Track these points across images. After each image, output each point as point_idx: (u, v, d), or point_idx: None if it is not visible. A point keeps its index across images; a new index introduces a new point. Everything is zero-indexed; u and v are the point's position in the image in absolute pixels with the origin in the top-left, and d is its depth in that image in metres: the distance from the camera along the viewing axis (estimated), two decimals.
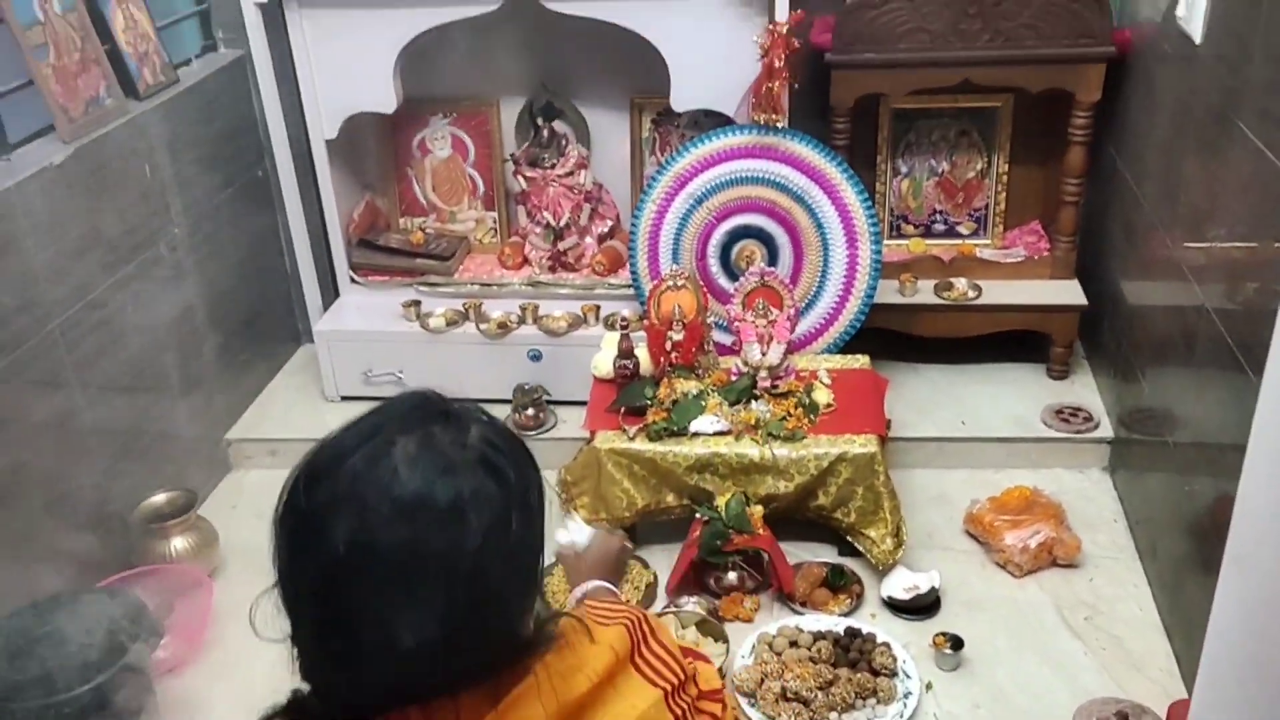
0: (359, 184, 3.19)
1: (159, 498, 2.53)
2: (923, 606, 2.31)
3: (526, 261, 3.13)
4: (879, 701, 2.05)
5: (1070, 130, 2.77)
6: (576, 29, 2.81)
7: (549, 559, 1.13)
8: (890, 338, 2.92)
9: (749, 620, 2.32)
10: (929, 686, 2.12)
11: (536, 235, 3.07)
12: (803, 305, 2.76)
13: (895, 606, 2.32)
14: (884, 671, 2.09)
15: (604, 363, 2.65)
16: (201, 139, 2.82)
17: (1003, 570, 2.42)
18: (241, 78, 2.99)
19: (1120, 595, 2.34)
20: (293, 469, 0.97)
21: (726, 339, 2.73)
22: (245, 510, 2.77)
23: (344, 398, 3.06)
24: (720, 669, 2.12)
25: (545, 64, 3.07)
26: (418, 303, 3.02)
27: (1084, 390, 2.91)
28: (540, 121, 3.01)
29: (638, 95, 3.06)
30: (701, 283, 2.75)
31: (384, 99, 2.86)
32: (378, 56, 2.80)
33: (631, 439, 2.42)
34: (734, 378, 2.57)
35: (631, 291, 2.94)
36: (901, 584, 2.34)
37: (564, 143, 3.02)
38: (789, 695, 2.04)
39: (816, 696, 2.03)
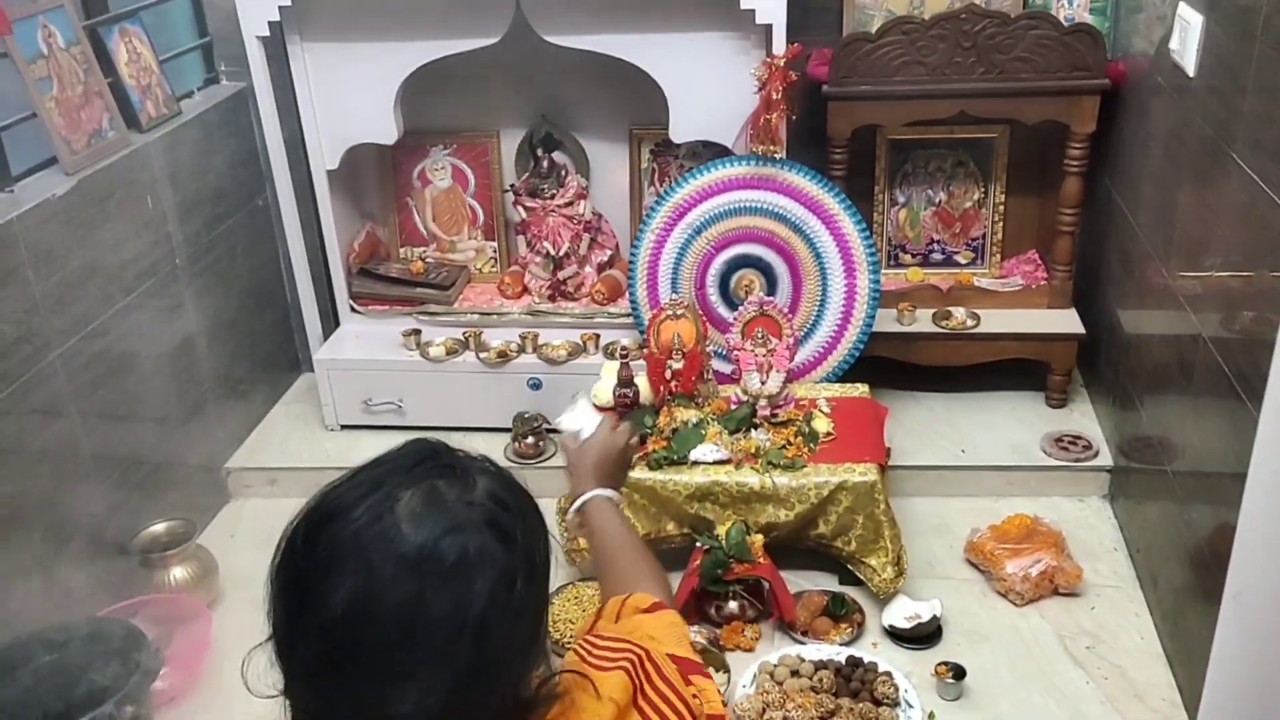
0: (359, 214, 3.21)
1: (158, 527, 2.52)
2: (924, 635, 2.30)
3: (526, 291, 3.14)
4: None
5: (1066, 161, 2.80)
6: (575, 61, 2.84)
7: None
8: (889, 366, 2.93)
9: (750, 649, 2.31)
10: (931, 716, 2.11)
11: (536, 265, 3.09)
12: (801, 334, 2.77)
13: (897, 635, 2.31)
14: (886, 701, 2.09)
15: (604, 391, 2.66)
16: (203, 170, 2.84)
17: (1004, 599, 2.42)
18: (243, 109, 3.02)
19: (1121, 624, 2.34)
20: (290, 521, 0.94)
21: (726, 368, 2.74)
22: (244, 540, 2.76)
23: (344, 426, 3.06)
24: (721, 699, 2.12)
25: (545, 95, 3.10)
26: (418, 332, 3.03)
27: (1083, 418, 2.92)
28: (540, 152, 3.03)
29: (637, 126, 3.09)
30: (701, 312, 2.76)
31: (385, 130, 2.88)
32: (378, 88, 2.82)
33: (631, 467, 2.42)
34: (733, 406, 2.57)
35: (631, 320, 2.95)
36: (903, 613, 2.34)
37: (563, 173, 3.04)
38: None
39: None
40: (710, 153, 2.92)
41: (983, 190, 3.05)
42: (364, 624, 0.87)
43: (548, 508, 2.48)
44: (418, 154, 3.19)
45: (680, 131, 2.81)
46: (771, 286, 2.80)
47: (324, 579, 0.88)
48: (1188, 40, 2.17)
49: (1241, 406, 1.80)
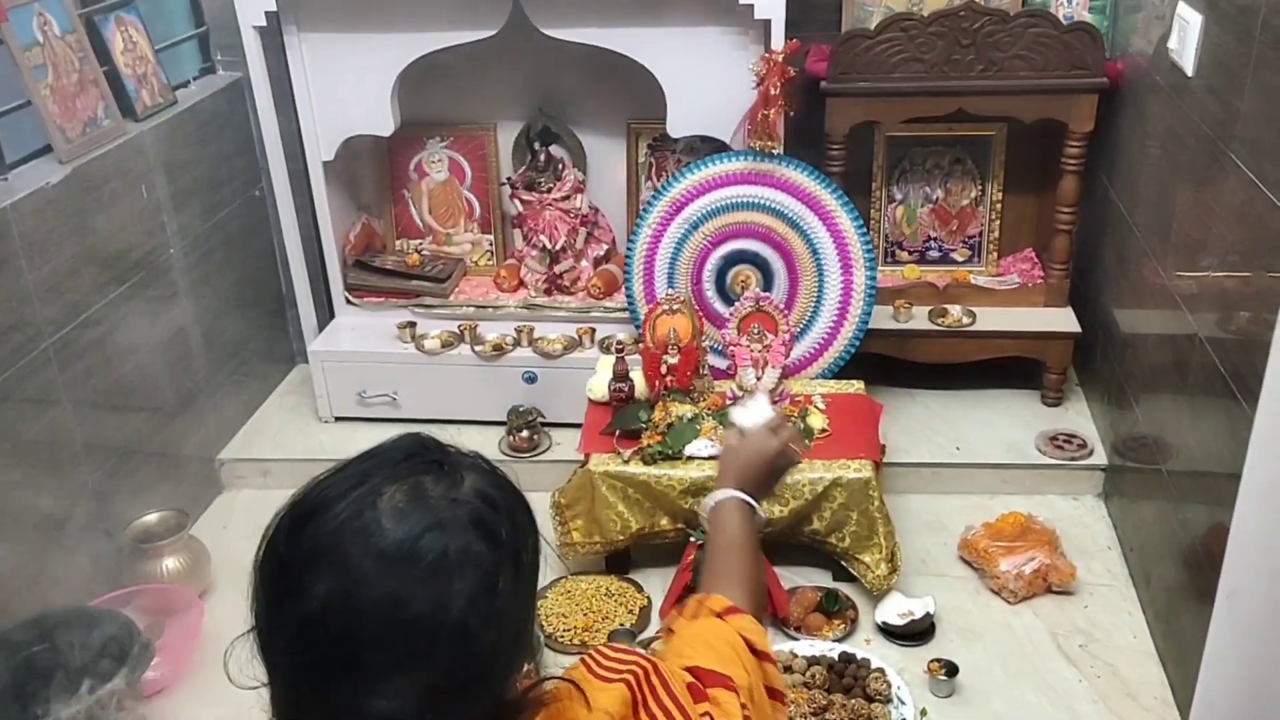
0: (355, 205, 3.20)
1: (150, 517, 2.52)
2: (917, 632, 2.31)
3: (522, 284, 3.13)
4: None
5: (1063, 159, 2.80)
6: (574, 55, 2.83)
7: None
8: (885, 363, 2.93)
9: None
10: (924, 713, 2.11)
11: (532, 258, 3.08)
12: (797, 330, 2.77)
13: (890, 632, 2.31)
14: (878, 698, 2.09)
15: (599, 386, 2.65)
16: (199, 160, 2.82)
17: (997, 597, 2.42)
18: (239, 100, 3.01)
19: (1115, 622, 2.34)
20: (276, 513, 0.92)
21: (721, 363, 2.74)
22: (237, 531, 2.75)
23: (338, 418, 3.06)
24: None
25: (542, 89, 3.09)
26: (413, 324, 3.02)
27: (1078, 417, 2.92)
28: (537, 146, 3.03)
29: (634, 121, 3.08)
30: (697, 307, 2.75)
31: (381, 122, 2.88)
32: (376, 80, 2.81)
33: (626, 462, 2.42)
34: (729, 401, 2.57)
35: (627, 315, 2.94)
36: (896, 609, 2.34)
37: (560, 167, 3.04)
38: None
39: None
40: (708, 148, 2.92)
41: (980, 188, 3.05)
42: (341, 620, 0.85)
43: (541, 502, 2.50)
44: (414, 146, 3.18)
45: (678, 126, 2.81)
46: (768, 282, 2.80)
47: (304, 573, 0.87)
48: (1186, 39, 2.17)
49: (1237, 406, 1.80)
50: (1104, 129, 2.76)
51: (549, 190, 3.00)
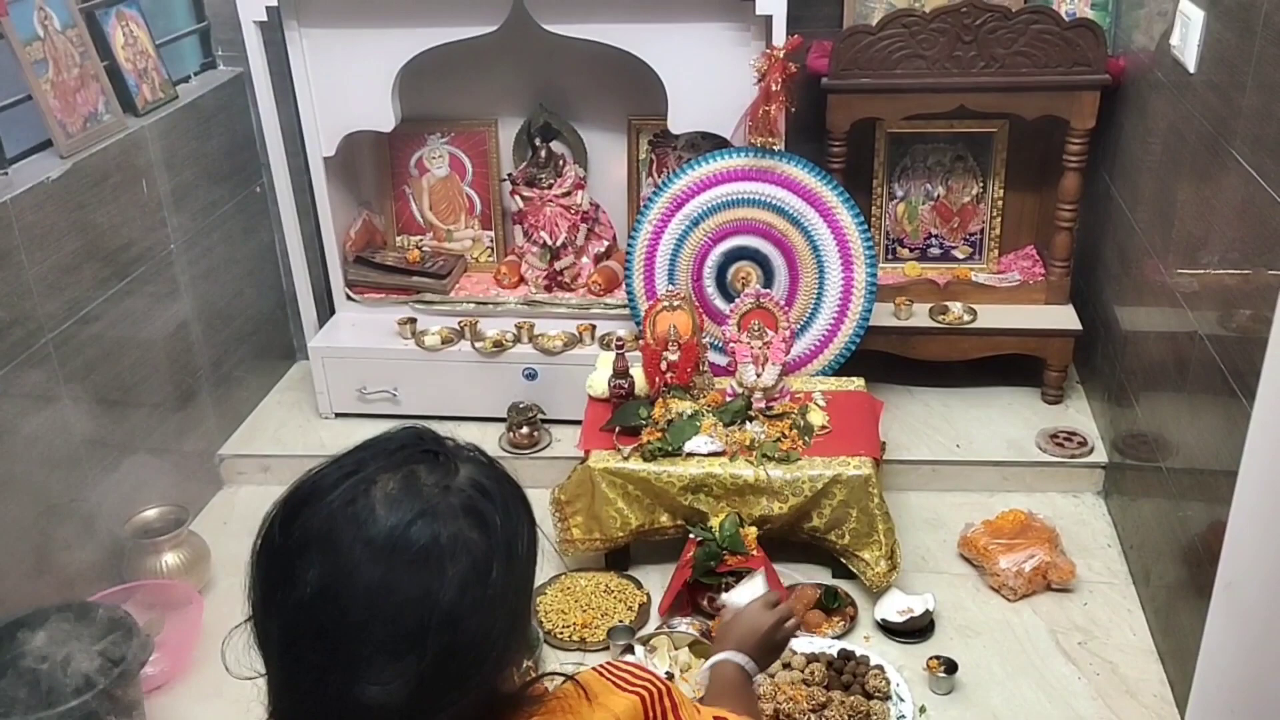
0: (356, 201, 3.20)
1: (150, 513, 2.52)
2: (917, 629, 2.30)
3: (523, 280, 3.13)
4: None
5: (1065, 156, 2.79)
6: (575, 51, 2.83)
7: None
8: (885, 360, 2.93)
9: None
10: (923, 710, 2.11)
11: (533, 255, 3.08)
12: (798, 327, 2.77)
13: (889, 629, 2.31)
14: (877, 695, 2.08)
15: (599, 382, 2.65)
16: (199, 155, 2.82)
17: (997, 594, 2.41)
18: (240, 95, 3.01)
19: (1114, 620, 2.34)
20: (273, 502, 0.93)
21: (722, 360, 2.73)
22: (237, 526, 2.76)
23: (338, 415, 3.06)
24: None
25: (543, 85, 3.08)
26: (413, 320, 3.02)
27: (1078, 415, 2.91)
28: (538, 142, 3.03)
29: (635, 117, 3.08)
30: (697, 303, 2.75)
31: (382, 117, 2.87)
32: (376, 75, 2.81)
33: (626, 459, 2.42)
34: (729, 398, 2.57)
35: (627, 311, 2.94)
36: (895, 607, 2.33)
37: (561, 163, 3.03)
38: (782, 718, 2.02)
39: (809, 719, 2.02)
40: (709, 144, 2.91)
41: (981, 185, 3.04)
42: (333, 606, 0.86)
43: (541, 498, 2.50)
44: (415, 142, 3.18)
45: (679, 122, 2.80)
46: (768, 279, 2.80)
47: (297, 560, 0.88)
48: (1188, 36, 2.17)
49: (1237, 404, 1.80)
50: (1106, 126, 2.75)
51: (550, 186, 3.00)
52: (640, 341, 2.67)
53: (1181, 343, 2.15)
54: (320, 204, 2.99)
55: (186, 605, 2.36)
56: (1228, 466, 1.77)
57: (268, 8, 2.69)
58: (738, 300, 2.66)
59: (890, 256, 3.11)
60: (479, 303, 3.08)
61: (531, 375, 2.93)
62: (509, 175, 3.08)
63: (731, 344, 2.60)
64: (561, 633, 2.33)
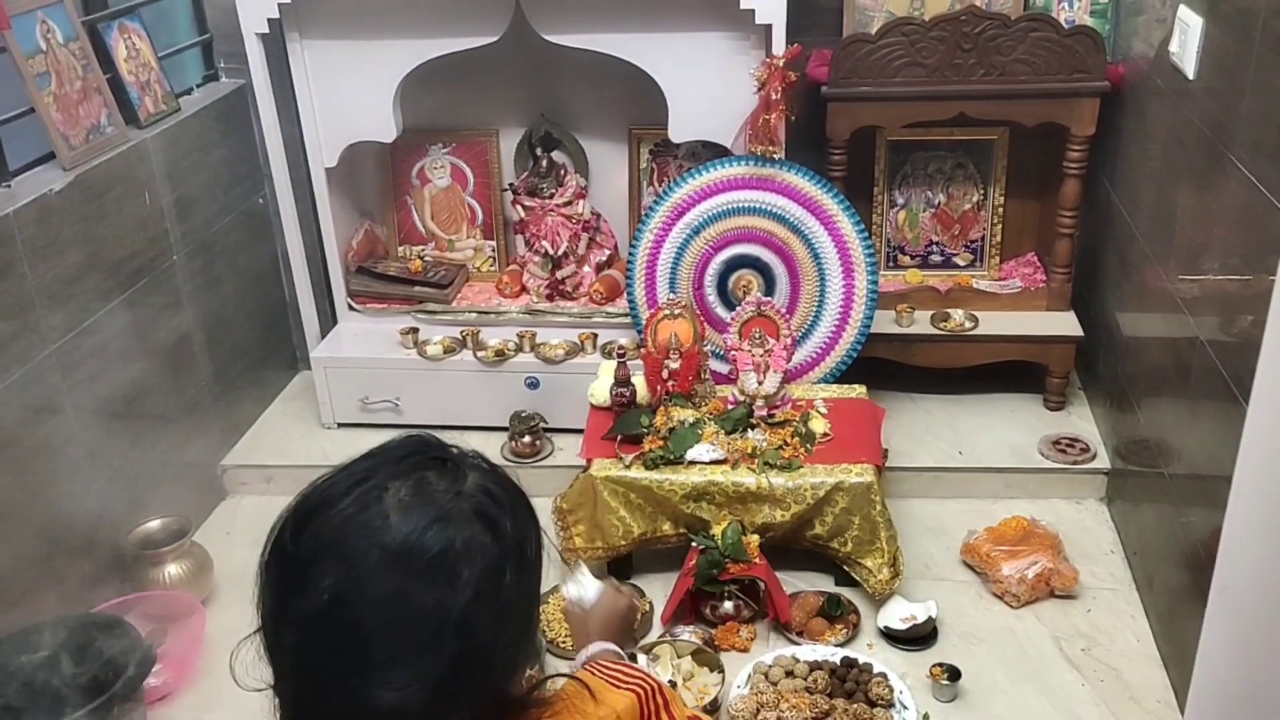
0: (358, 212, 3.20)
1: (153, 523, 2.52)
2: (920, 637, 2.30)
3: (524, 290, 3.14)
4: None
5: (1065, 163, 2.80)
6: (575, 60, 2.84)
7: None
8: (887, 368, 2.93)
9: (745, 650, 2.31)
10: (926, 718, 2.10)
11: (535, 264, 3.08)
12: (799, 335, 2.77)
13: (892, 637, 2.31)
14: (881, 702, 2.08)
15: (601, 391, 2.65)
16: (202, 167, 2.83)
17: (1000, 601, 2.41)
18: (242, 106, 3.02)
19: (1118, 626, 2.33)
20: (281, 511, 0.94)
21: (723, 368, 2.74)
22: (240, 537, 2.76)
23: (341, 425, 3.06)
24: (716, 699, 2.11)
25: (544, 94, 3.09)
26: (415, 330, 3.03)
27: (1080, 421, 2.91)
28: (539, 151, 3.03)
29: (636, 126, 3.08)
30: (698, 312, 2.76)
31: (384, 128, 2.88)
32: (378, 86, 2.82)
33: (628, 467, 2.42)
34: (730, 406, 2.57)
35: (629, 320, 2.95)
36: (898, 614, 2.33)
37: (562, 172, 3.04)
38: None
39: None
40: (709, 153, 2.92)
41: (982, 192, 3.05)
42: (349, 613, 0.87)
43: (544, 506, 2.49)
44: (417, 152, 3.19)
45: (679, 131, 2.81)
46: (769, 287, 2.80)
47: (310, 568, 0.88)
48: (1187, 43, 2.17)
49: (1238, 409, 1.80)
50: (1105, 132, 2.76)
51: (551, 196, 3.00)
52: (642, 350, 2.67)
53: (1183, 348, 2.15)
54: (322, 214, 3.00)
55: (189, 616, 2.36)
56: (1229, 472, 1.76)
57: (269, 20, 2.70)
58: (739, 308, 2.66)
59: (891, 264, 3.12)
60: (481, 312, 3.09)
61: (533, 384, 2.94)
62: (510, 185, 3.09)
63: (733, 352, 2.61)
64: (564, 642, 2.33)
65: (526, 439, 2.87)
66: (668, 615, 2.37)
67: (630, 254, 2.87)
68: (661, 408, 2.57)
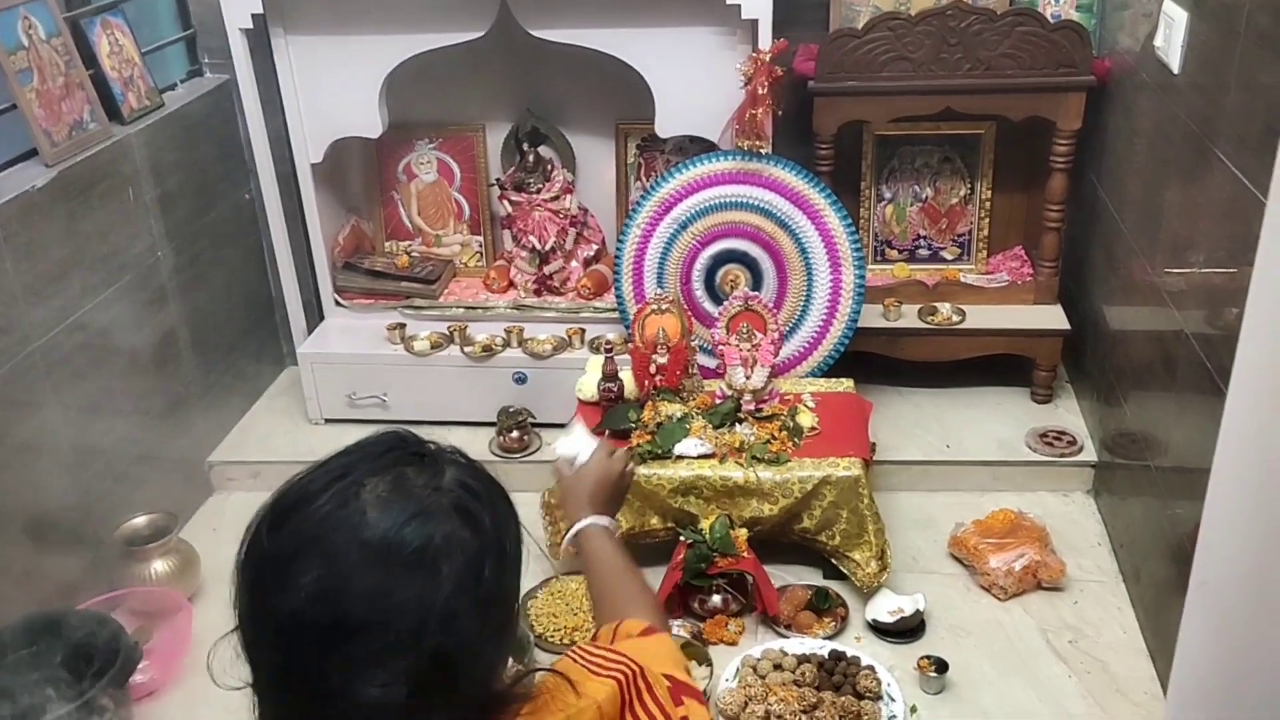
0: (344, 207, 3.19)
1: (140, 520, 2.51)
2: (907, 630, 2.31)
3: (512, 285, 3.13)
4: None
5: (1052, 157, 2.80)
6: (562, 55, 2.83)
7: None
8: (875, 362, 2.93)
9: (733, 643, 2.31)
10: (914, 710, 2.11)
11: (522, 259, 3.08)
12: (787, 329, 2.77)
13: (880, 630, 2.32)
14: (868, 695, 2.09)
15: (588, 386, 2.65)
16: (186, 163, 2.82)
17: (987, 593, 2.42)
18: (227, 102, 3.00)
19: (1104, 618, 2.34)
20: (258, 509, 0.93)
21: (711, 362, 2.74)
22: (227, 533, 2.75)
23: (328, 420, 3.05)
24: (704, 692, 2.12)
25: (531, 90, 3.09)
26: (402, 326, 3.02)
27: (1067, 414, 2.92)
28: (526, 146, 3.03)
29: (623, 121, 3.08)
30: (686, 306, 2.75)
31: (369, 123, 2.87)
32: (363, 81, 2.81)
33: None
34: (718, 401, 2.57)
35: (616, 315, 2.94)
36: (886, 607, 2.34)
37: (549, 168, 3.03)
38: (773, 718, 2.02)
39: None
40: (696, 148, 2.92)
41: (969, 186, 3.05)
42: (329, 610, 0.86)
43: (532, 502, 2.50)
44: (403, 148, 3.18)
45: (666, 126, 2.81)
46: (757, 281, 2.80)
47: (289, 566, 0.88)
48: (1172, 37, 2.18)
49: (1222, 402, 1.80)
50: (1092, 127, 2.77)
51: (538, 191, 3.00)
52: (629, 345, 2.67)
53: (1168, 342, 2.16)
54: (308, 210, 2.99)
55: (176, 612, 2.35)
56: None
57: (253, 15, 2.69)
58: (726, 303, 2.66)
59: (879, 258, 3.12)
60: (468, 307, 3.08)
61: (521, 379, 2.93)
62: (497, 180, 3.08)
63: (720, 346, 2.61)
64: (552, 636, 2.33)
65: (514, 434, 2.87)
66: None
67: (618, 249, 2.86)
68: (649, 403, 2.57)
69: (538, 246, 3.02)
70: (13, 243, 2.17)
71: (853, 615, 2.36)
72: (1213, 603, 0.96)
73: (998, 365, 2.96)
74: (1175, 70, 2.18)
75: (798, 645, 2.24)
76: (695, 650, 2.22)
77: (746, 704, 2.06)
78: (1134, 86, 2.53)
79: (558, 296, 3.09)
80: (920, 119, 2.89)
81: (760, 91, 2.59)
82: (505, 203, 3.04)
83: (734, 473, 2.37)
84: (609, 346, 2.81)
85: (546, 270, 3.07)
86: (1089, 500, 2.71)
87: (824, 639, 2.28)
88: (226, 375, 3.03)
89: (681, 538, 2.38)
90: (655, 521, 2.44)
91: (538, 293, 3.09)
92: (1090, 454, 2.74)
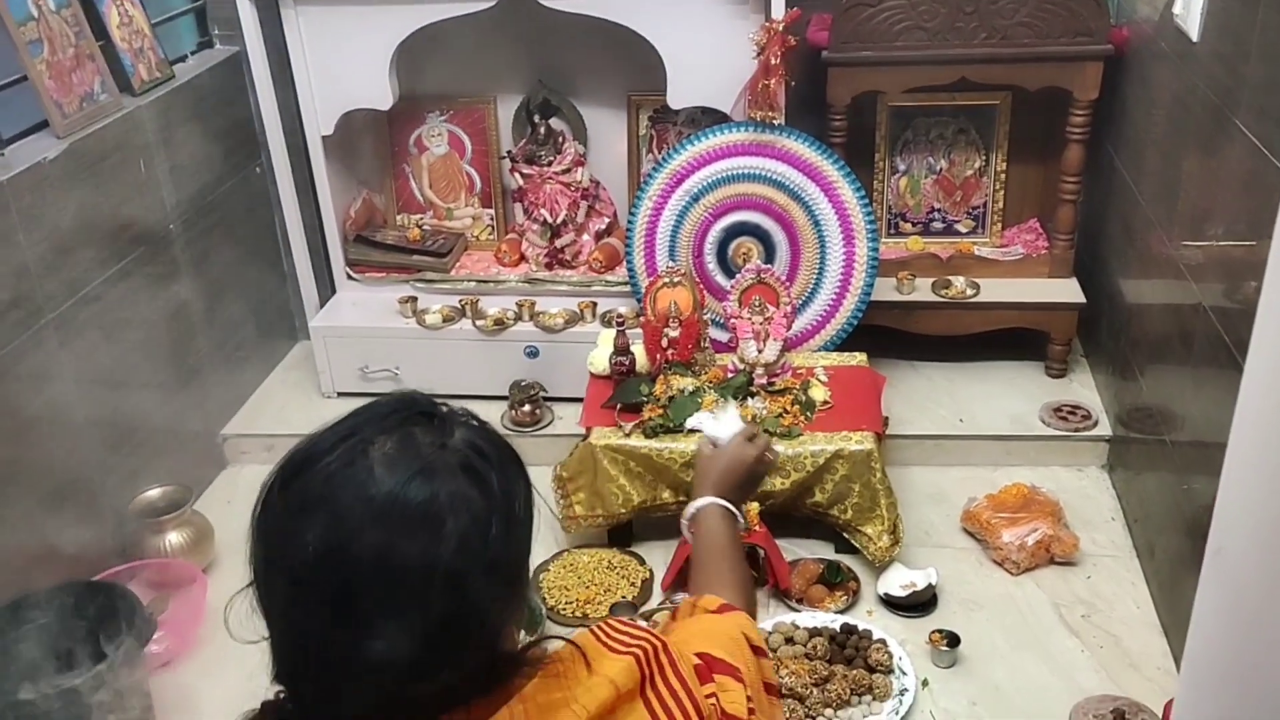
0: (355, 181, 3.18)
1: (154, 492, 2.52)
2: (919, 604, 2.31)
3: (523, 258, 3.12)
4: (875, 698, 2.05)
5: (1068, 128, 2.77)
6: (574, 26, 2.81)
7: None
8: (888, 335, 2.92)
9: None
10: (925, 683, 2.11)
11: (533, 232, 3.07)
12: (799, 302, 2.76)
13: (892, 604, 2.31)
14: (880, 668, 2.09)
15: (600, 359, 2.65)
16: (197, 135, 2.81)
17: (1000, 568, 2.41)
18: (237, 74, 2.99)
19: (1118, 593, 2.33)
20: (271, 468, 0.94)
21: (723, 336, 2.73)
22: (240, 506, 2.76)
23: (340, 394, 3.06)
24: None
25: (542, 61, 3.06)
26: (414, 299, 3.02)
27: (1082, 388, 2.90)
28: (537, 118, 3.01)
29: (635, 92, 3.06)
30: (698, 279, 2.74)
31: (380, 95, 2.86)
32: (374, 53, 2.79)
33: (627, 435, 2.42)
34: (730, 374, 2.56)
35: (628, 288, 2.93)
36: (898, 581, 2.34)
37: (561, 140, 3.02)
38: (784, 692, 2.03)
39: (812, 693, 2.02)
40: (709, 119, 2.90)
41: (984, 158, 3.02)
42: (335, 566, 0.87)
43: (543, 475, 2.50)
44: (414, 120, 3.17)
45: (678, 98, 2.78)
46: (769, 254, 2.79)
47: (297, 521, 0.88)
48: (1192, 4, 2.14)
49: (1240, 376, 1.79)
50: (1109, 97, 2.73)
51: (549, 164, 2.98)
52: (641, 318, 2.66)
53: (1186, 315, 2.14)
54: (319, 183, 2.98)
55: (190, 584, 2.37)
56: None
57: None
58: (739, 276, 2.65)
59: (892, 231, 3.10)
60: (480, 281, 3.08)
61: (533, 353, 2.93)
62: (509, 152, 3.06)
63: (733, 320, 2.60)
64: (564, 609, 2.34)
65: (526, 408, 2.87)
66: (668, 582, 2.38)
67: (629, 222, 2.85)
68: (661, 376, 2.57)
69: (549, 219, 3.01)
70: (25, 215, 2.17)
71: (864, 589, 2.36)
72: (1229, 572, 0.95)
73: (1012, 339, 2.94)
74: (1194, 39, 2.15)
75: (809, 619, 2.24)
76: None
77: None
78: (1152, 56, 2.50)
79: (569, 270, 3.08)
80: (935, 89, 2.86)
81: (773, 62, 2.57)
82: (517, 175, 3.02)
83: None
84: (621, 320, 2.81)
85: (558, 243, 3.05)
86: (1103, 475, 2.70)
87: (836, 613, 2.28)
88: (240, 348, 3.04)
89: None
90: (667, 495, 2.44)
91: (549, 266, 3.08)
92: (1105, 429, 2.72)
